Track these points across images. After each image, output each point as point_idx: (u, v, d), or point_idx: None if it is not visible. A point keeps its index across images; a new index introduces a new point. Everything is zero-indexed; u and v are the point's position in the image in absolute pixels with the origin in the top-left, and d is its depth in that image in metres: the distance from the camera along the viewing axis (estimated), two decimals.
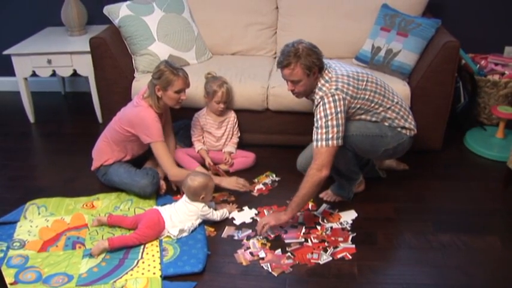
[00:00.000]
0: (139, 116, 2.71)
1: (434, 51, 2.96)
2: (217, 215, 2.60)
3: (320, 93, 2.44)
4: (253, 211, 2.72)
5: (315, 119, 2.44)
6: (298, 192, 2.43)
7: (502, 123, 3.26)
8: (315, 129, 2.42)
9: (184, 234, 2.51)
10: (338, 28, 3.43)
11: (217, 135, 3.11)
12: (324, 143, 2.38)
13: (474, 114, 3.57)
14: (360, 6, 3.41)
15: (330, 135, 2.37)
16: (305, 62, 2.41)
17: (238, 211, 2.71)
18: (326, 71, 2.48)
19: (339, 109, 2.39)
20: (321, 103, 2.41)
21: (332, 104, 2.39)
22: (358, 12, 3.41)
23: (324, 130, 2.38)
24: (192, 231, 2.54)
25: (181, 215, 2.53)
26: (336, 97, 2.40)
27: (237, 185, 2.81)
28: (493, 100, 3.44)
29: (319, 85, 2.47)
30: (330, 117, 2.38)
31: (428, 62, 2.98)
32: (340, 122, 2.38)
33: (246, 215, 2.70)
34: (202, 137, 3.13)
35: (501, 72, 3.49)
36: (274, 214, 2.53)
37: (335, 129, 2.37)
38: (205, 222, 2.60)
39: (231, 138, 3.16)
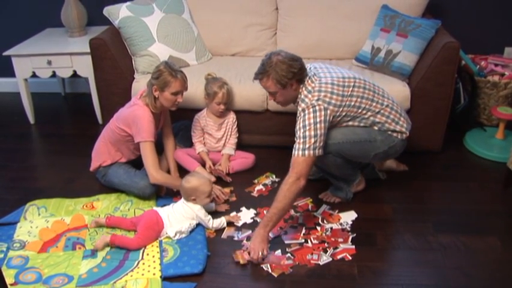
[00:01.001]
0: (133, 114, 2.71)
1: (434, 52, 2.96)
2: (212, 222, 2.57)
3: (302, 104, 2.44)
4: (252, 211, 2.73)
5: (295, 130, 2.44)
6: (277, 204, 2.36)
7: (501, 124, 3.26)
8: (295, 139, 2.42)
9: (183, 236, 2.51)
10: (338, 29, 3.43)
11: (217, 136, 3.11)
12: (300, 152, 2.38)
13: (474, 115, 3.57)
14: (359, 7, 3.41)
15: (307, 145, 2.37)
16: (275, 77, 2.42)
17: (236, 220, 2.66)
18: (309, 81, 2.47)
19: (318, 119, 2.38)
20: (302, 114, 2.42)
21: (312, 115, 2.38)
22: (358, 13, 3.41)
23: (301, 140, 2.38)
24: (191, 231, 2.54)
25: (178, 215, 2.54)
26: (317, 107, 2.39)
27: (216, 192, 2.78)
28: (493, 101, 3.44)
29: (302, 96, 2.46)
30: (308, 128, 2.37)
31: (428, 62, 2.98)
32: (318, 132, 2.37)
33: (245, 215, 2.70)
34: (203, 138, 3.13)
35: (501, 73, 3.49)
36: (258, 237, 2.35)
37: (312, 140, 2.36)
38: None
39: (230, 136, 3.16)
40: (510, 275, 2.25)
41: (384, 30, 3.21)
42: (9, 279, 2.24)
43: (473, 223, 2.59)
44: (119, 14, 3.29)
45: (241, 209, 2.74)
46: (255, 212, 2.73)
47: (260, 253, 2.32)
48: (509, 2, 3.66)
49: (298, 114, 2.45)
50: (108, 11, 3.32)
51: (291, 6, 3.52)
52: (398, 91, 2.96)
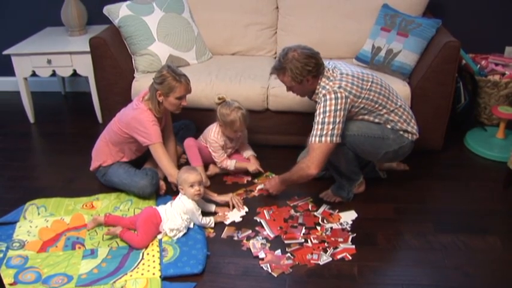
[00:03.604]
0: (137, 119, 2.71)
1: (434, 52, 2.96)
2: (201, 218, 2.56)
3: (323, 91, 2.46)
4: (244, 209, 2.73)
5: (315, 115, 2.46)
6: (290, 175, 2.58)
7: (502, 124, 3.25)
8: (313, 124, 2.45)
9: (180, 234, 2.50)
10: (338, 28, 3.43)
11: (231, 146, 3.09)
12: (317, 138, 2.41)
13: (474, 114, 3.56)
14: (360, 6, 3.41)
15: (324, 132, 2.39)
16: (291, 74, 2.47)
17: (224, 219, 2.66)
18: (330, 72, 2.50)
19: (338, 107, 2.40)
20: (323, 100, 2.44)
21: (333, 101, 2.41)
22: (359, 12, 3.40)
23: (319, 126, 2.41)
24: (189, 230, 2.54)
25: (173, 210, 2.54)
26: (339, 95, 2.41)
27: (230, 201, 2.73)
28: (494, 100, 3.44)
29: (323, 84, 2.49)
30: (327, 114, 2.39)
31: (428, 62, 2.97)
32: (337, 119, 2.39)
33: (234, 214, 2.70)
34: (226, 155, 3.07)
35: (502, 72, 3.48)
36: (278, 183, 2.70)
37: (330, 126, 2.38)
38: None
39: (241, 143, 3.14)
40: (510, 274, 2.25)
41: (384, 30, 3.21)
42: (8, 279, 2.24)
43: (474, 223, 2.59)
44: (119, 12, 3.29)
45: (239, 211, 2.73)
46: (246, 210, 2.72)
47: (271, 191, 2.75)
48: (510, 1, 3.65)
49: (318, 101, 2.48)
50: (108, 9, 3.32)
51: (292, 5, 3.51)
52: (399, 90, 2.94)
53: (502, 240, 2.45)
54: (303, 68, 2.44)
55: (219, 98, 2.92)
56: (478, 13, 3.72)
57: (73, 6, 3.81)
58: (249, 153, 3.12)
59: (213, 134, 2.99)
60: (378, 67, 3.20)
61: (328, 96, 2.42)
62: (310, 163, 2.43)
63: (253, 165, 3.01)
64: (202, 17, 3.60)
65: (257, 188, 2.92)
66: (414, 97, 3.02)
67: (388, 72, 3.16)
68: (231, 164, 3.00)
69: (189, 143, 3.00)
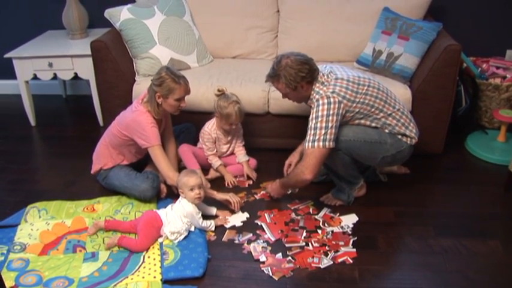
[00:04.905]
0: (136, 121, 2.71)
1: (435, 55, 2.96)
2: (202, 221, 2.56)
3: (317, 96, 2.47)
4: (245, 214, 2.72)
5: (308, 120, 2.48)
6: (288, 180, 2.63)
7: (503, 127, 3.25)
8: (307, 130, 2.47)
9: (181, 237, 2.50)
10: (339, 31, 3.43)
11: (226, 141, 3.09)
12: (310, 144, 2.42)
13: (475, 117, 3.56)
14: (361, 9, 3.41)
15: (317, 137, 2.40)
16: (285, 81, 2.49)
17: (225, 222, 2.66)
18: (325, 77, 2.50)
19: (331, 112, 2.40)
20: (316, 105, 2.44)
21: (326, 107, 2.41)
22: (359, 16, 3.41)
23: (312, 132, 2.43)
24: (190, 233, 2.54)
25: (174, 213, 2.54)
26: (331, 100, 2.41)
27: (229, 199, 2.71)
28: (495, 104, 3.43)
29: (316, 89, 2.49)
30: (320, 120, 2.41)
31: (429, 65, 2.97)
32: (329, 124, 2.40)
33: (236, 218, 2.69)
34: (216, 150, 3.09)
35: (503, 75, 3.48)
36: (279, 187, 2.70)
37: (322, 131, 2.39)
38: None
39: (237, 140, 3.15)
40: (511, 278, 2.24)
41: (385, 33, 3.21)
42: (9, 282, 2.24)
43: (475, 226, 2.58)
44: (120, 16, 3.29)
45: (236, 211, 2.72)
46: (247, 216, 2.71)
47: (272, 195, 2.77)
48: (511, 5, 3.65)
49: (312, 106, 2.49)
50: (109, 13, 3.32)
51: (292, 8, 3.52)
52: (399, 94, 2.95)
53: (503, 244, 2.44)
54: (297, 74, 2.45)
55: (219, 90, 2.95)
56: (479, 16, 3.72)
57: (74, 10, 3.82)
58: (242, 158, 3.11)
59: (208, 126, 3.03)
60: (379, 70, 3.20)
61: (321, 101, 2.42)
62: (304, 168, 2.45)
63: (230, 178, 3.01)
64: (203, 20, 3.60)
65: (261, 192, 2.92)
66: (415, 100, 3.02)
67: (388, 76, 3.17)
68: (215, 163, 3.04)
69: (182, 148, 3.03)
